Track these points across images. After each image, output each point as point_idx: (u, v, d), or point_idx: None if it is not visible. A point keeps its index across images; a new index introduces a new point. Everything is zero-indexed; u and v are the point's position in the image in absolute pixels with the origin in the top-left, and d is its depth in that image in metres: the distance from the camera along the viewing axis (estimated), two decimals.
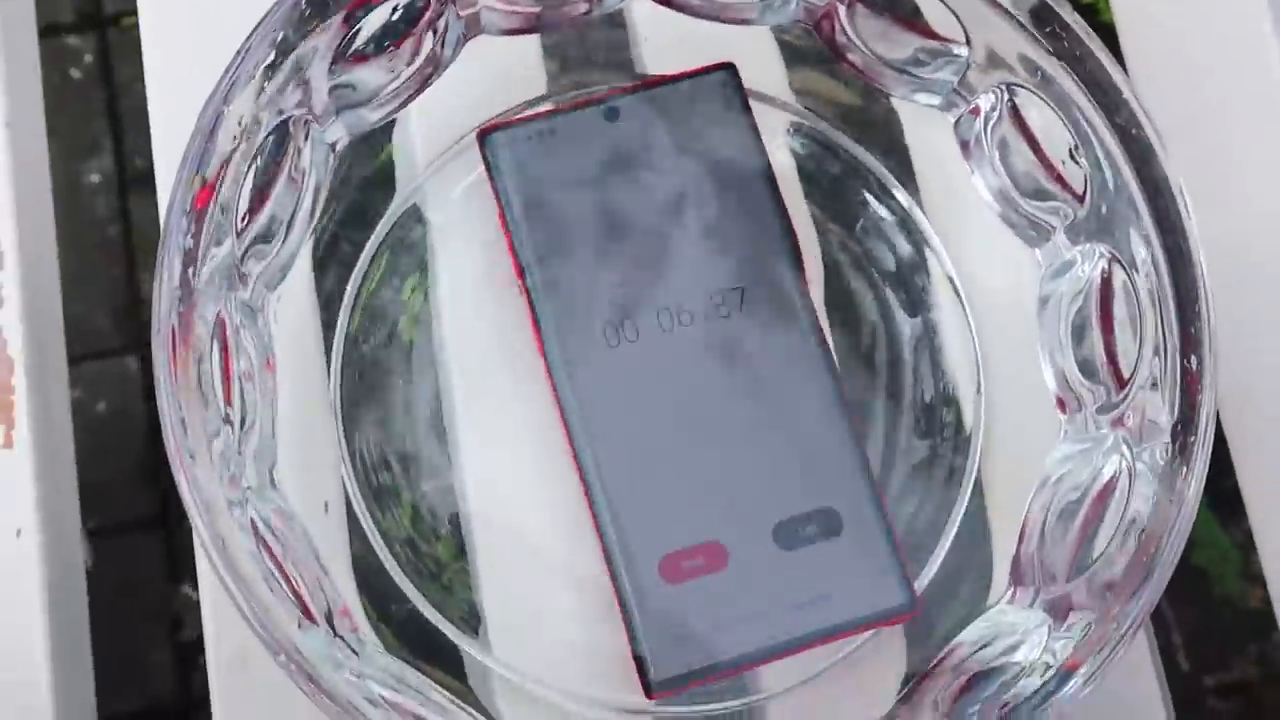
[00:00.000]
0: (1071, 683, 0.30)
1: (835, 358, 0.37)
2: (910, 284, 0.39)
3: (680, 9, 0.38)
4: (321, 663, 0.30)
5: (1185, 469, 0.30)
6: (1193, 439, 0.30)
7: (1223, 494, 0.91)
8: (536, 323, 0.36)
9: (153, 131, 0.41)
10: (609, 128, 0.38)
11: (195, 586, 1.01)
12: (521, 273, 0.37)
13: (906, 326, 0.39)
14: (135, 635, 0.97)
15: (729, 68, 0.38)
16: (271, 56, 0.32)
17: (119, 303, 1.04)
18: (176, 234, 0.31)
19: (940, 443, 0.38)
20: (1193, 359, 0.31)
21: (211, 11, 0.40)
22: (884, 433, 0.38)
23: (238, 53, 0.31)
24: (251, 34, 0.31)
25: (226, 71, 0.31)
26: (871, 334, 0.39)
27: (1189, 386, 0.31)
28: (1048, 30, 0.33)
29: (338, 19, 0.33)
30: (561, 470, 0.36)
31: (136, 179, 1.06)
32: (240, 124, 0.31)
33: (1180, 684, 0.92)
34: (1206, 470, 0.31)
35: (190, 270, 0.31)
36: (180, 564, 0.99)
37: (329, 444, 0.37)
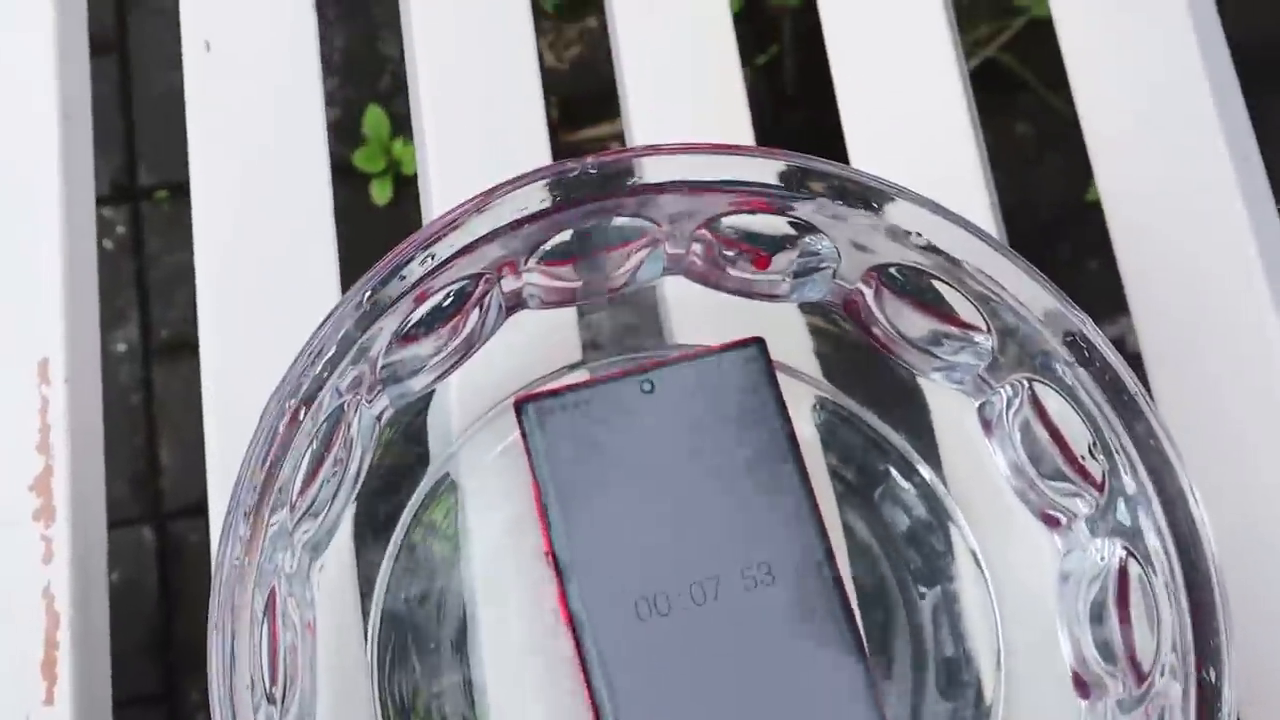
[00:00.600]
0: None
1: (863, 633, 0.38)
2: (930, 556, 0.41)
3: (712, 288, 0.40)
4: None
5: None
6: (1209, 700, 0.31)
7: None
8: (565, 598, 0.37)
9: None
10: (643, 400, 0.39)
11: None
12: (551, 546, 0.38)
13: (926, 596, 0.40)
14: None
15: (759, 342, 0.40)
16: (334, 349, 0.34)
17: (137, 471, 1.05)
18: (233, 536, 0.32)
19: (962, 706, 0.39)
20: (1210, 671, 0.32)
21: (266, 321, 0.42)
22: (911, 695, 0.39)
23: (304, 351, 0.33)
24: (316, 332, 0.33)
25: (290, 371, 0.33)
26: (894, 601, 0.40)
27: (1204, 698, 0.32)
28: (1072, 342, 0.35)
29: (398, 312, 0.35)
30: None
31: (161, 349, 1.08)
32: (299, 419, 0.33)
33: None
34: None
35: (245, 560, 0.32)
36: None
37: (363, 701, 0.38)
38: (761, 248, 0.40)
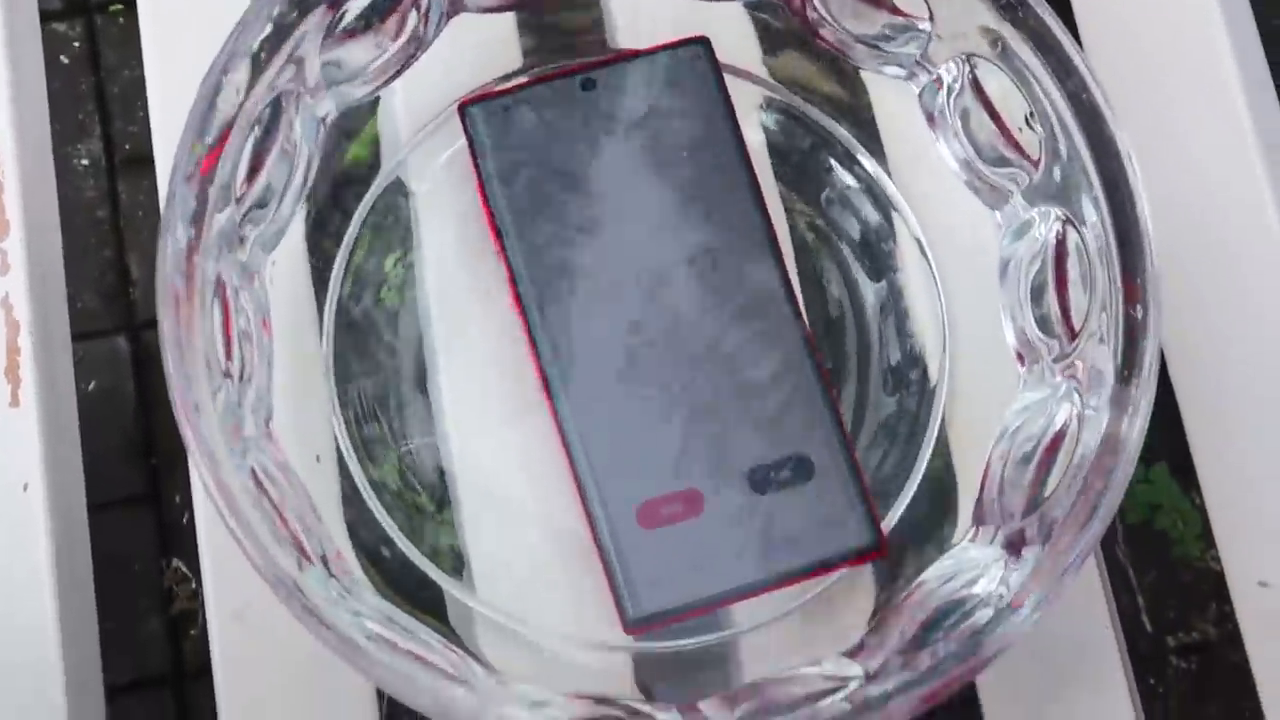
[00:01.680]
0: (1021, 612, 0.31)
1: (805, 317, 0.39)
2: (876, 249, 0.41)
3: None
4: (322, 600, 0.31)
5: (1128, 411, 0.32)
6: (1136, 383, 0.32)
7: (1186, 461, 0.94)
8: (514, 285, 0.38)
9: (151, 108, 0.42)
10: (585, 98, 0.39)
11: (185, 560, 1.02)
12: (499, 238, 0.38)
13: (871, 291, 0.41)
14: (128, 609, 0.99)
15: (703, 41, 0.40)
16: (268, 30, 0.34)
17: (108, 284, 1.05)
18: (180, 198, 0.33)
19: (907, 398, 0.40)
20: (1137, 308, 0.33)
21: None
22: (854, 390, 0.40)
23: (237, 25, 0.33)
24: (249, 9, 0.33)
25: (226, 43, 0.33)
26: (839, 299, 0.41)
27: (1132, 333, 0.33)
28: (1005, 3, 0.35)
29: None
30: (540, 424, 0.38)
31: (125, 162, 1.07)
32: (239, 93, 0.33)
33: (1144, 645, 0.95)
34: (1149, 413, 0.33)
35: (194, 232, 0.33)
36: (170, 539, 1.01)
37: (321, 401, 0.39)
38: None
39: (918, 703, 0.30)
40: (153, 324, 1.05)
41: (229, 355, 0.34)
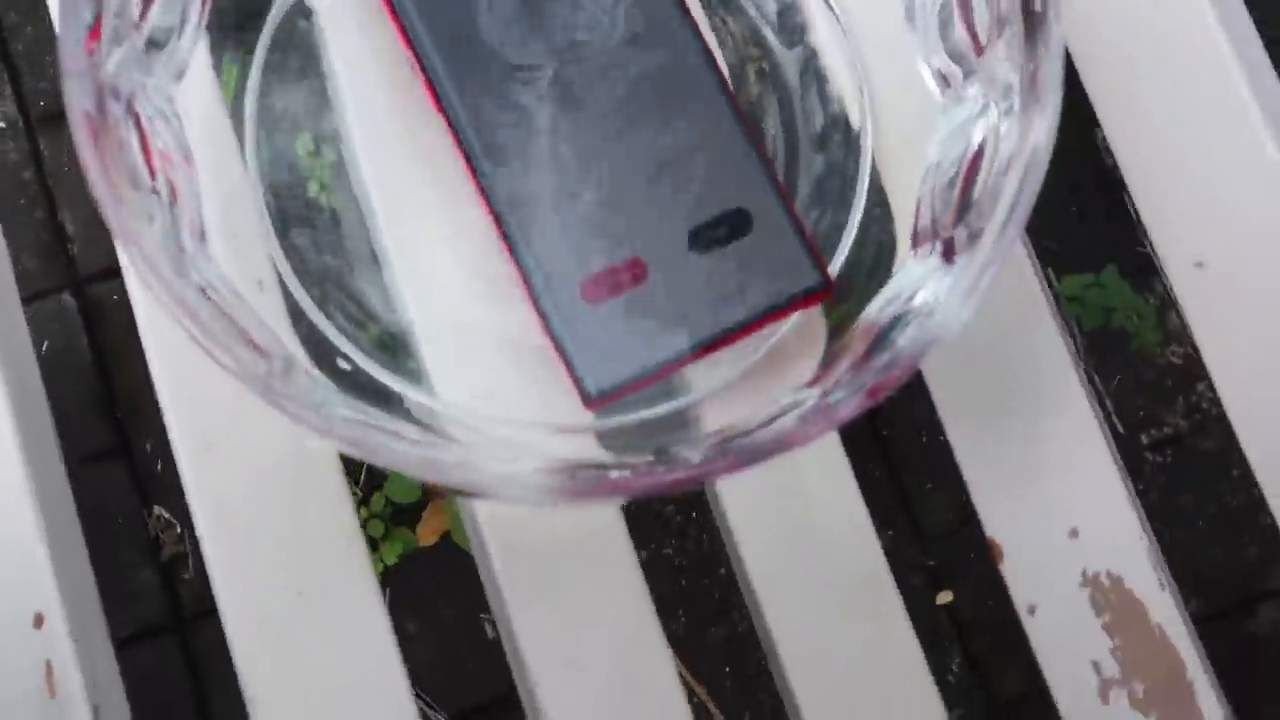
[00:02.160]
0: (951, 307, 0.32)
1: (726, 74, 0.39)
2: (788, 19, 0.41)
3: None
4: (298, 389, 0.32)
5: (1035, 95, 0.33)
6: (1041, 68, 0.33)
7: (1134, 261, 0.95)
8: (431, 83, 0.38)
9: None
10: None
11: (167, 507, 1.02)
12: (410, 40, 0.38)
13: (789, 59, 0.41)
14: (118, 562, 0.99)
15: None
16: None
17: (44, 243, 1.05)
18: (75, 21, 0.32)
19: (835, 154, 0.41)
20: (1038, 3, 0.33)
21: None
22: (784, 156, 0.41)
23: None
24: None
25: None
26: (758, 70, 0.41)
27: (1033, 25, 0.33)
28: None
29: None
30: (478, 221, 0.38)
31: (42, 120, 1.06)
32: None
33: (1118, 447, 0.95)
34: (1059, 106, 0.33)
35: (95, 57, 0.33)
36: (149, 488, 1.01)
37: (257, 233, 0.39)
38: None
39: (863, 398, 0.31)
40: (95, 278, 1.05)
41: (153, 176, 0.34)
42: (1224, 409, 0.42)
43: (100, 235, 1.03)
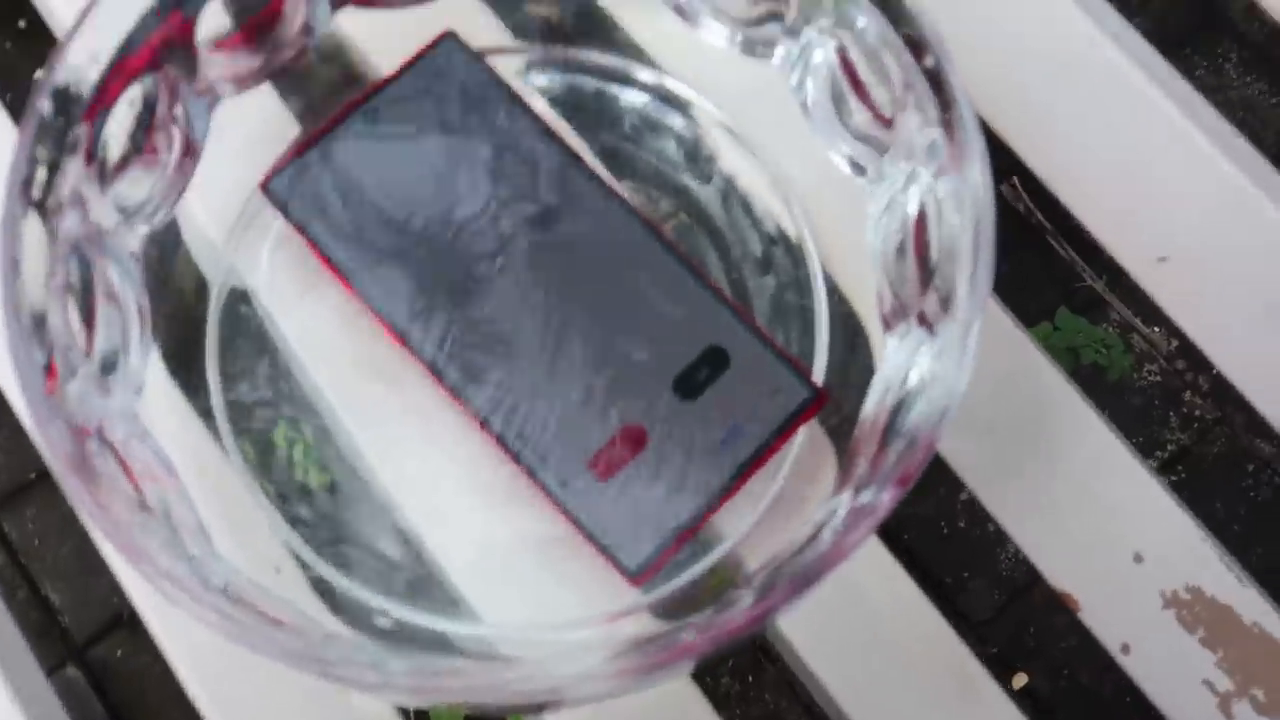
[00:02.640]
0: (951, 372, 0.32)
1: (657, 229, 0.39)
2: (695, 152, 0.42)
3: (378, 4, 0.41)
4: (348, 657, 0.31)
5: (959, 146, 0.33)
6: (956, 118, 0.33)
7: (1079, 299, 0.96)
8: (390, 324, 0.38)
9: None
10: (374, 129, 0.40)
11: None
12: (352, 286, 0.39)
13: (707, 193, 0.42)
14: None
15: (449, 35, 0.41)
16: (43, 174, 0.34)
17: (35, 621, 1.02)
18: (31, 368, 0.32)
19: (781, 270, 0.41)
20: (928, 58, 0.34)
21: None
22: (729, 288, 0.41)
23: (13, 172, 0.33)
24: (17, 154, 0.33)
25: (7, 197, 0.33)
26: (680, 213, 0.42)
27: (934, 81, 0.34)
28: None
29: (83, 129, 0.35)
30: (466, 434, 0.38)
31: None
32: (41, 251, 0.33)
33: None
34: (985, 151, 0.34)
35: (56, 398, 0.32)
36: None
37: (261, 522, 0.38)
38: None
39: (895, 488, 0.30)
40: (95, 640, 1.01)
41: (142, 495, 0.34)
42: (1219, 414, 0.41)
43: (87, 595, 1.01)
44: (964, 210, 0.34)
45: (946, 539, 0.93)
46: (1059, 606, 0.40)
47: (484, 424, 0.37)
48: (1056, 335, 0.97)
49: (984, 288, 0.33)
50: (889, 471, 0.32)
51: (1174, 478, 0.97)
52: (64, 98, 0.34)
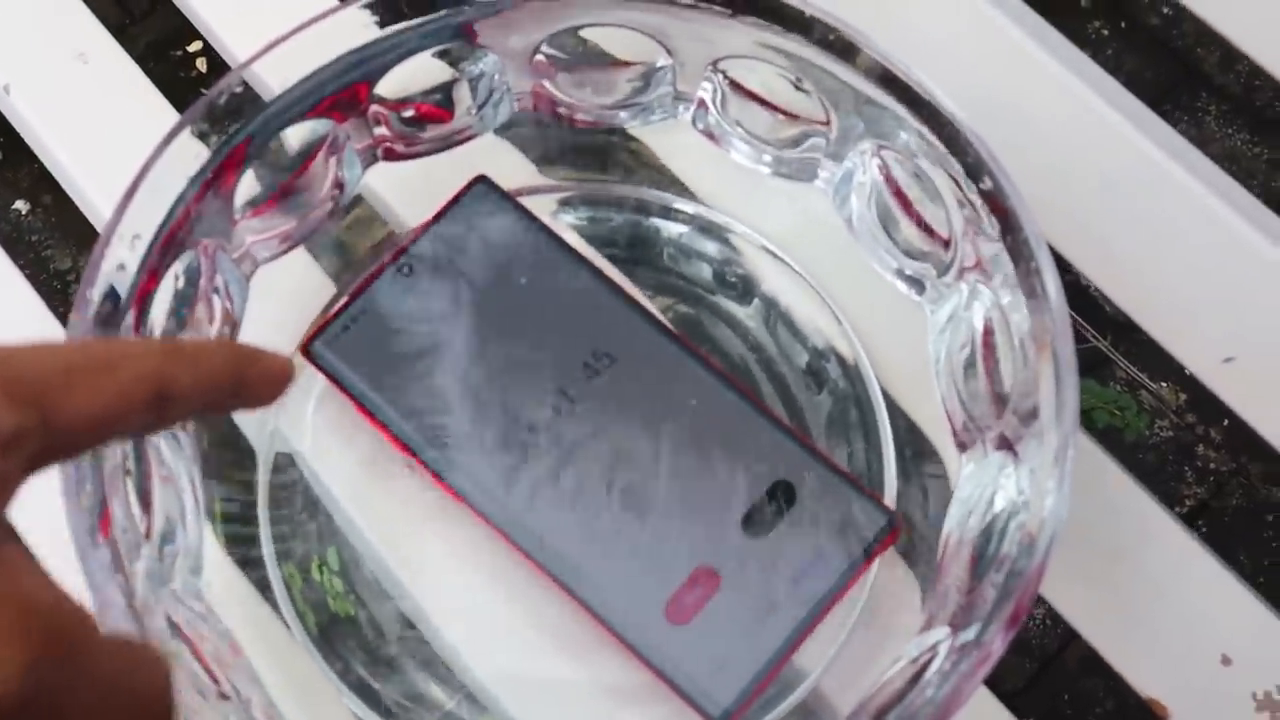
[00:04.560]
0: (1048, 501, 0.31)
1: (709, 361, 0.39)
2: (731, 275, 0.42)
3: (406, 157, 0.40)
4: None
5: (1030, 265, 0.33)
6: (1021, 237, 0.33)
7: (1085, 360, 0.96)
8: (447, 482, 0.37)
9: None
10: (410, 282, 0.39)
11: None
12: (408, 448, 0.38)
13: (749, 314, 0.41)
14: None
15: (482, 179, 0.41)
16: None
17: None
18: (96, 569, 0.31)
19: (838, 387, 0.40)
20: (985, 179, 0.34)
21: None
22: (785, 409, 0.40)
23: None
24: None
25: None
26: (727, 339, 0.41)
27: (993, 203, 0.34)
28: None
29: (131, 316, 0.34)
30: (541, 591, 0.37)
31: None
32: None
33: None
34: (1051, 261, 0.34)
35: (124, 585, 0.31)
36: None
37: (326, 692, 0.37)
38: (434, 102, 0.40)
39: (1007, 629, 0.30)
40: None
41: (215, 681, 0.32)
42: (1233, 465, 0.41)
43: None
44: (1040, 327, 0.33)
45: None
46: (1090, 669, 0.39)
47: (553, 577, 0.36)
48: None
49: (1073, 410, 0.32)
50: (994, 608, 0.31)
51: (1199, 532, 0.96)
52: (110, 286, 0.34)
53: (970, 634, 0.31)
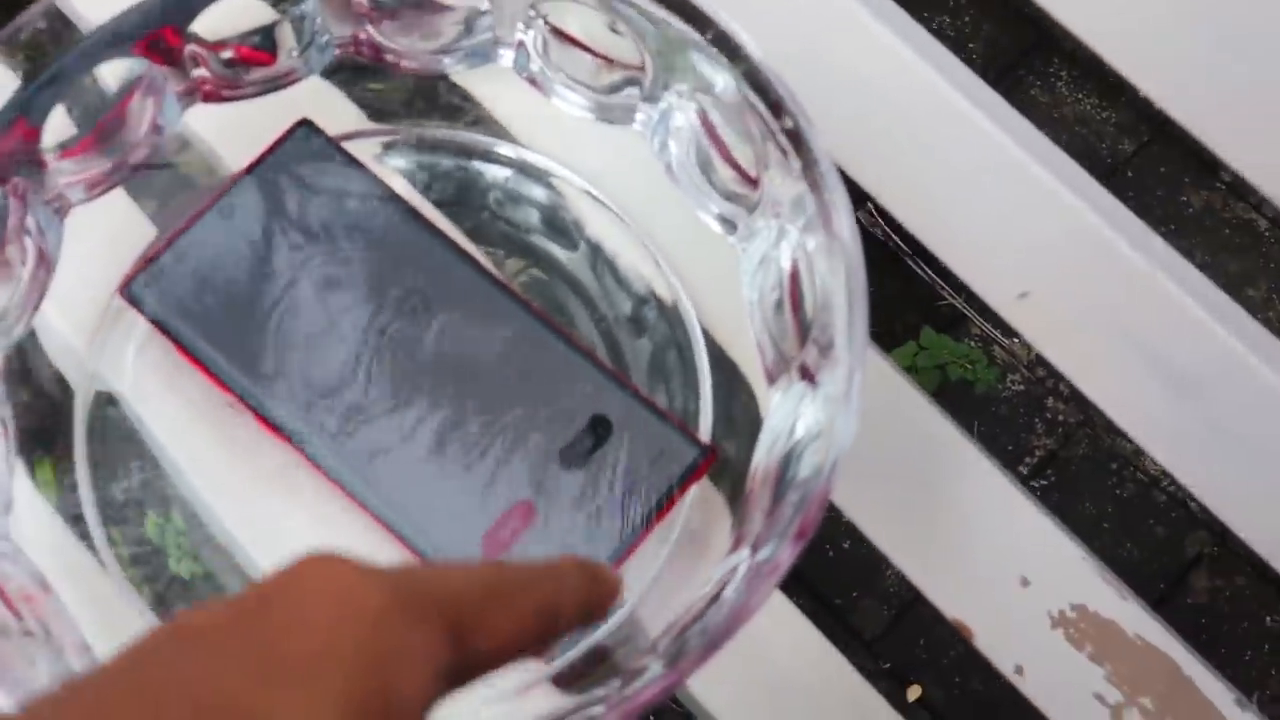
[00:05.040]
0: (837, 424, 0.32)
1: (528, 303, 0.40)
2: (559, 221, 0.43)
3: (228, 99, 0.40)
4: None
5: (826, 202, 0.34)
6: (818, 174, 0.34)
7: (940, 317, 0.98)
8: (269, 420, 0.38)
9: None
10: (231, 224, 0.39)
11: None
12: (231, 388, 0.38)
13: (576, 260, 0.42)
14: None
15: (305, 123, 0.41)
16: None
17: None
18: None
19: (657, 331, 0.41)
20: (787, 119, 0.35)
21: None
22: (608, 353, 0.41)
23: None
24: None
25: None
26: (552, 282, 0.42)
27: (795, 142, 0.35)
28: None
29: None
30: (352, 521, 0.37)
31: None
32: None
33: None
34: (847, 200, 0.35)
35: None
36: None
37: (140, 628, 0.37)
38: (254, 44, 0.40)
39: (794, 543, 0.31)
40: None
41: (19, 618, 0.33)
42: (1081, 416, 0.43)
43: None
44: (834, 263, 0.34)
45: (833, 561, 0.94)
46: (948, 622, 0.41)
47: (377, 517, 0.37)
48: (923, 354, 0.99)
49: (862, 338, 0.33)
50: (786, 526, 0.32)
51: (1044, 481, 1.00)
52: None
53: (766, 552, 0.32)
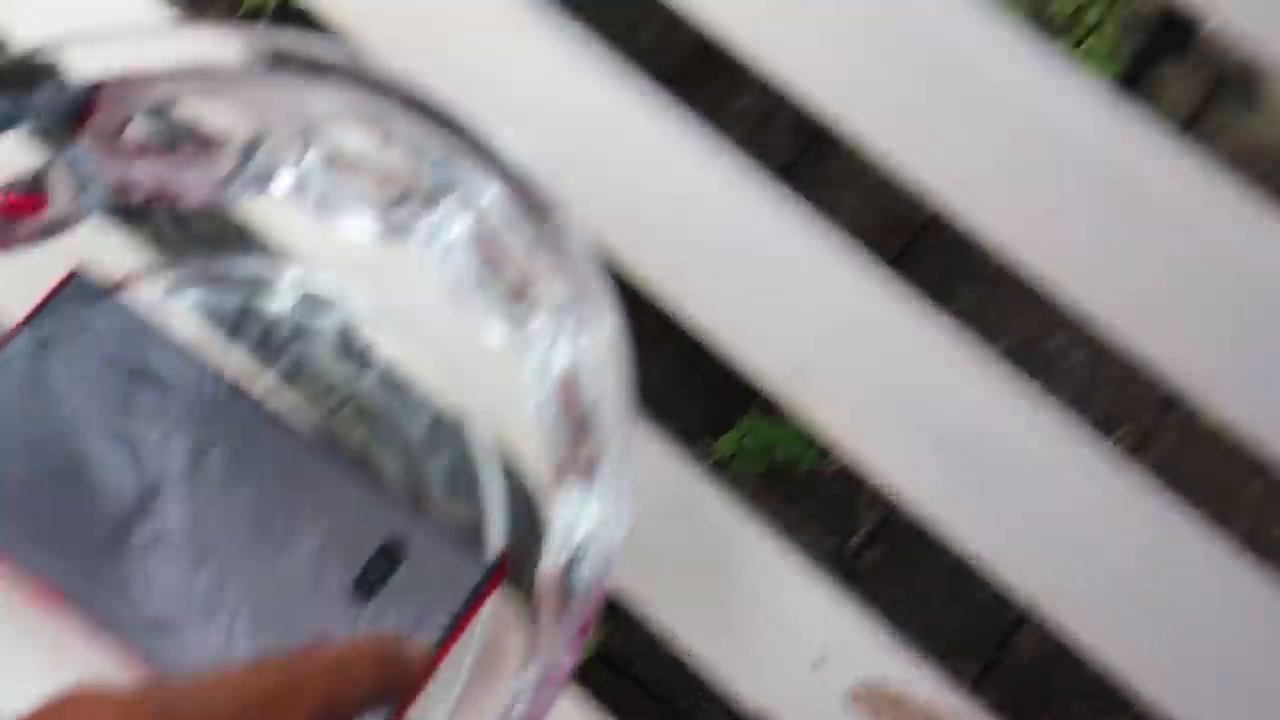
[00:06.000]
0: (610, 521, 0.34)
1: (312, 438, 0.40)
2: (348, 345, 0.43)
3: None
4: None
5: (592, 304, 0.36)
6: (583, 275, 0.36)
7: (766, 399, 1.01)
8: (41, 581, 0.38)
9: None
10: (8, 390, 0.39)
11: None
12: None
13: (368, 383, 0.43)
14: None
15: (73, 277, 0.41)
16: None
17: None
18: None
19: (451, 446, 0.42)
20: (548, 225, 0.36)
21: None
22: (404, 473, 0.42)
23: None
24: None
25: None
26: (346, 411, 0.42)
27: (560, 245, 0.36)
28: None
29: None
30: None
31: None
32: None
33: (836, 563, 0.99)
34: (611, 296, 0.36)
35: None
36: None
37: None
38: (26, 190, 0.40)
39: (573, 640, 0.32)
40: None
41: None
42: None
43: None
44: (603, 360, 0.36)
45: (675, 663, 0.94)
46: None
47: (156, 667, 0.37)
48: (748, 437, 1.01)
49: (624, 427, 0.35)
50: (569, 627, 0.33)
51: (874, 555, 1.02)
52: None
53: (551, 657, 0.33)
